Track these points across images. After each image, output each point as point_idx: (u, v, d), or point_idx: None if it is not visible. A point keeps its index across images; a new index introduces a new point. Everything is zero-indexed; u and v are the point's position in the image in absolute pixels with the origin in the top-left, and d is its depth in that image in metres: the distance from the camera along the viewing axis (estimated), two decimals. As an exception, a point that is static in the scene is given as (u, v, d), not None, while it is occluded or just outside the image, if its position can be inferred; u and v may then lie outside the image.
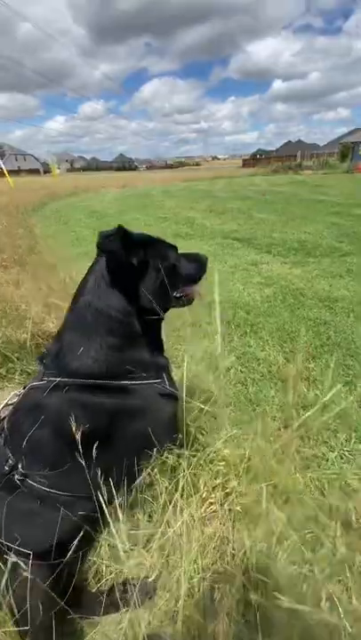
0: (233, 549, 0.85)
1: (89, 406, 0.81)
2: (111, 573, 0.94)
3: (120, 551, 0.81)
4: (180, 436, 0.99)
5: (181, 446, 1.01)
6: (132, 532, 0.97)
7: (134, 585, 0.90)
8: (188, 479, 0.95)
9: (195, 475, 0.98)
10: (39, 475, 0.79)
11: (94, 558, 0.95)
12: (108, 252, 0.86)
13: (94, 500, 0.83)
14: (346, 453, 1.31)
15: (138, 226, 5.00)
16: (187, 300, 1.06)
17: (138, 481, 0.91)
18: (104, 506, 0.76)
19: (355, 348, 2.02)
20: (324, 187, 10.74)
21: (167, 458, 0.92)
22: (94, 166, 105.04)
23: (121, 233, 0.81)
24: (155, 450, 0.92)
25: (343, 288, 2.89)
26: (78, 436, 0.73)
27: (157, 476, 0.96)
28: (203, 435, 1.15)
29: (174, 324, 2.33)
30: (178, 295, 1.02)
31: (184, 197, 10.43)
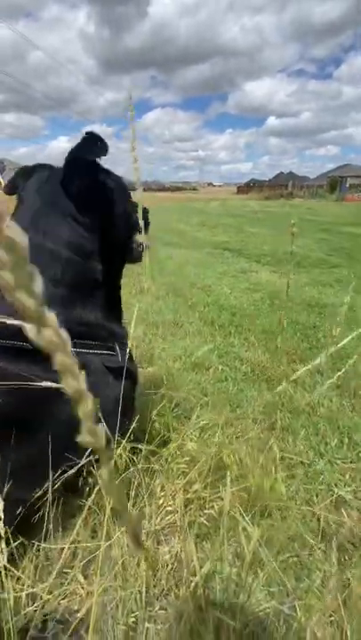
0: (192, 575, 0.64)
1: (7, 379, 0.60)
2: (34, 602, 0.70)
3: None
4: (132, 425, 0.79)
5: (138, 440, 0.81)
6: (68, 548, 0.75)
7: (60, 622, 0.67)
8: (143, 482, 0.74)
9: (151, 476, 0.77)
10: None
11: (13, 583, 0.72)
12: (88, 162, 0.67)
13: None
14: (337, 461, 1.12)
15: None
16: (139, 255, 0.88)
17: (64, 475, 0.69)
18: None
19: (344, 353, 1.86)
20: (315, 209, 11.05)
21: (114, 453, 0.72)
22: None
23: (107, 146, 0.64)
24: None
25: (332, 296, 2.79)
26: None
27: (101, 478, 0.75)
28: (169, 431, 0.96)
29: (154, 318, 2.16)
30: (134, 245, 0.85)
31: (177, 212, 10.53)
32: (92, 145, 0.64)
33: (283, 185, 40.07)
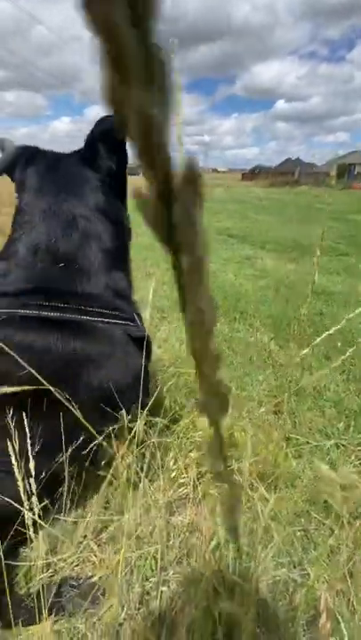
0: (205, 544, 0.65)
1: (38, 348, 0.60)
2: (48, 570, 0.73)
3: (62, 542, 0.62)
4: (149, 401, 0.80)
5: (152, 414, 0.82)
6: (82, 520, 0.76)
7: (74, 586, 0.69)
8: (157, 455, 0.75)
9: (164, 450, 0.78)
10: None
11: (27, 550, 0.74)
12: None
13: (32, 475, 0.62)
14: (344, 443, 1.13)
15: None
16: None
17: (86, 446, 0.69)
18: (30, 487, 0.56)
19: (351, 338, 1.86)
20: (322, 197, 10.84)
21: (133, 425, 0.72)
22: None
23: None
24: (118, 412, 0.71)
25: (340, 284, 2.77)
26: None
27: (118, 449, 0.76)
28: (180, 409, 0.96)
29: (160, 303, 2.15)
30: None
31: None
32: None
33: (289, 172, 39.23)
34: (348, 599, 0.68)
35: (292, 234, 4.66)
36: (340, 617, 0.59)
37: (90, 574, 0.72)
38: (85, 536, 0.77)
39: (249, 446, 0.58)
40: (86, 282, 0.67)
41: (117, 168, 0.71)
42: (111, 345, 0.68)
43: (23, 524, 0.59)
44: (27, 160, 0.71)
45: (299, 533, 0.80)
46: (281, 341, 1.82)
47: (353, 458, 1.08)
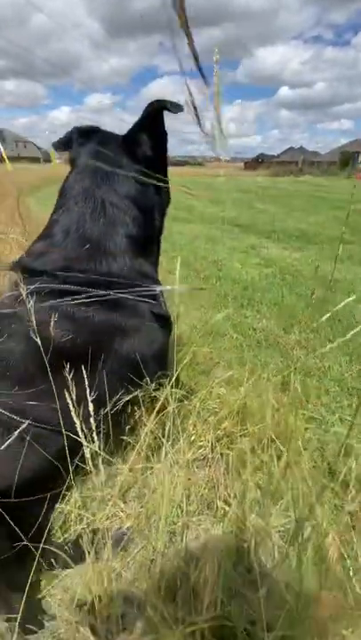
0: (225, 495, 0.73)
1: (76, 317, 0.67)
2: (81, 522, 0.81)
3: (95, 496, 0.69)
4: (169, 373, 0.87)
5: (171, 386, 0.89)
6: (110, 478, 0.84)
7: (107, 534, 0.77)
8: (177, 420, 0.83)
9: (184, 416, 0.85)
10: (6, 393, 0.65)
11: (62, 505, 0.82)
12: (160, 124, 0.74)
13: (70, 434, 0.70)
14: (348, 417, 1.20)
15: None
16: None
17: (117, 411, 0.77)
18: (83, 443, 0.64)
19: (355, 323, 1.92)
20: (326, 187, 10.74)
21: (156, 393, 0.79)
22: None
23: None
24: (143, 381, 0.79)
25: (344, 271, 2.81)
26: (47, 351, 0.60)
27: (143, 416, 0.84)
28: (194, 383, 1.04)
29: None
30: None
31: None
32: (170, 102, 0.68)
33: (293, 162, 38.58)
34: (352, 547, 0.76)
35: (296, 223, 4.67)
36: (346, 557, 0.66)
37: (120, 526, 0.80)
38: (113, 495, 0.86)
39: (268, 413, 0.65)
40: (114, 263, 0.73)
41: (156, 157, 0.75)
42: (138, 320, 0.75)
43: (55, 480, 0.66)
44: (80, 139, 0.77)
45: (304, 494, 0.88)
46: (287, 326, 1.88)
47: (356, 431, 1.15)
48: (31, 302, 0.67)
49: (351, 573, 0.64)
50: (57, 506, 0.83)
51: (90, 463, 0.54)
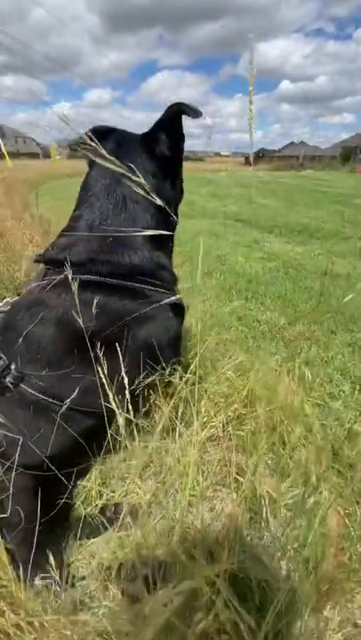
0: (236, 471, 0.79)
1: (99, 305, 0.72)
2: (101, 498, 0.87)
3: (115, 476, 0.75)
4: (182, 359, 0.92)
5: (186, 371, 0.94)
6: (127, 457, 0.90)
7: (127, 508, 0.83)
8: (190, 402, 0.88)
9: (197, 400, 0.91)
10: (36, 376, 0.71)
11: (84, 482, 0.88)
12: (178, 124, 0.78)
13: (95, 415, 0.75)
14: (351, 403, 1.26)
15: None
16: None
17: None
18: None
19: (358, 316, 1.97)
20: (327, 181, 10.72)
21: (170, 378, 0.85)
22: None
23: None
24: (159, 366, 0.84)
25: (346, 266, 2.85)
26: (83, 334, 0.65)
27: (158, 400, 0.89)
28: (203, 371, 1.09)
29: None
30: None
31: (186, 182, 10.21)
32: (189, 107, 0.72)
33: (293, 156, 38.31)
34: (356, 519, 0.82)
35: (298, 217, 4.70)
36: (351, 527, 0.72)
37: (137, 502, 0.86)
38: (130, 473, 0.91)
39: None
40: (134, 255, 0.78)
41: (173, 156, 0.79)
42: (155, 308, 0.80)
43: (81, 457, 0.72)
44: (99, 138, 0.81)
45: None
46: (290, 319, 1.93)
47: (358, 415, 1.21)
48: (60, 291, 0.72)
49: (355, 540, 0.70)
50: (79, 482, 0.89)
51: (124, 431, 0.59)
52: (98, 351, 0.66)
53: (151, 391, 0.89)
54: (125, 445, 0.68)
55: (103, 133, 0.81)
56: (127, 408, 0.66)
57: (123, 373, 0.65)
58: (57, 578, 0.62)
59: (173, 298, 0.86)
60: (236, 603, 0.38)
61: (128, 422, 0.80)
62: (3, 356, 0.72)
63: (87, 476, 0.89)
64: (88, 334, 0.68)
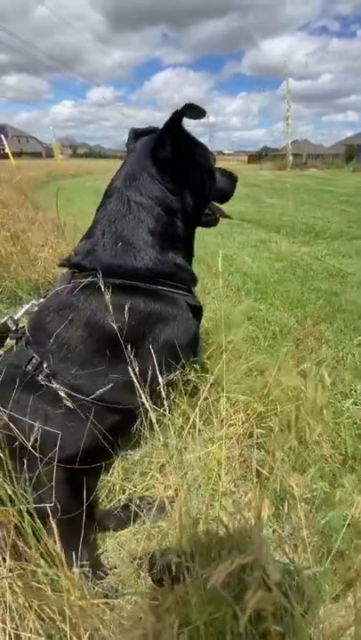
0: (257, 467, 0.82)
1: (124, 307, 0.75)
2: (124, 493, 0.90)
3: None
4: (199, 359, 0.96)
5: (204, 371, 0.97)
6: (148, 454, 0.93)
7: (149, 502, 0.87)
8: (209, 401, 0.91)
9: (215, 398, 0.94)
10: (67, 373, 0.74)
11: (107, 477, 0.92)
12: (181, 130, 0.79)
13: (120, 411, 0.79)
14: (361, 402, 1.28)
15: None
16: (213, 220, 1.02)
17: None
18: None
19: (367, 316, 1.99)
20: (332, 180, 10.69)
21: (189, 376, 0.88)
22: (98, 153, 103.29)
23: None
24: (179, 365, 0.87)
25: (353, 266, 2.86)
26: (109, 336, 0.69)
27: (177, 398, 0.92)
28: (217, 369, 1.12)
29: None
30: (208, 212, 0.98)
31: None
32: (193, 108, 0.74)
33: (297, 155, 38.11)
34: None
35: (304, 218, 4.70)
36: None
37: (160, 496, 0.89)
38: (151, 469, 0.94)
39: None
40: (151, 257, 0.81)
41: (179, 160, 0.80)
42: (176, 309, 0.83)
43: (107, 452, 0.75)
44: (129, 141, 0.85)
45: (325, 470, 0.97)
46: (300, 319, 1.95)
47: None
48: (88, 294, 0.76)
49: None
50: (102, 477, 0.92)
51: (156, 427, 0.62)
52: (126, 351, 0.70)
53: (170, 389, 0.92)
54: (147, 441, 0.71)
55: (140, 134, 0.85)
56: (153, 405, 0.69)
57: (155, 371, 0.68)
58: (91, 567, 0.65)
59: (193, 299, 0.89)
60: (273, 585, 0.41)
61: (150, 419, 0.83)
62: (35, 355, 0.76)
63: (110, 472, 0.93)
64: (118, 335, 0.71)
